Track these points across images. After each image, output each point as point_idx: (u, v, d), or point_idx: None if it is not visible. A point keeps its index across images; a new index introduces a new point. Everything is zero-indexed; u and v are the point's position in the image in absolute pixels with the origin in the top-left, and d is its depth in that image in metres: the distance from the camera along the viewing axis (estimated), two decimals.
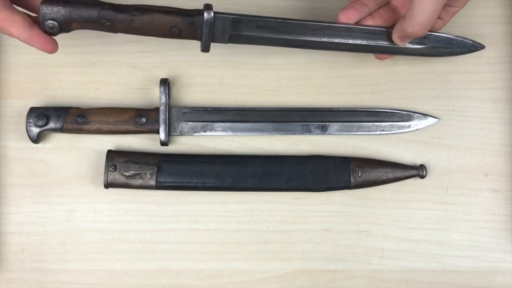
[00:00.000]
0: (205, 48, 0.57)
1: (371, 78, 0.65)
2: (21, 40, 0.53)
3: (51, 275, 0.62)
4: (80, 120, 0.62)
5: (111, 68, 0.65)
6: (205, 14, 0.55)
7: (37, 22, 0.54)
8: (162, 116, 0.62)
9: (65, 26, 0.54)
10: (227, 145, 0.65)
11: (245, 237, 0.63)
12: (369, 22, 0.60)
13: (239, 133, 0.64)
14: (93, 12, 0.54)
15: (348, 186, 0.62)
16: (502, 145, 0.64)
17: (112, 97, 0.65)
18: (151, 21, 0.55)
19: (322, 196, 0.63)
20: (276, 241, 0.63)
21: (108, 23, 0.54)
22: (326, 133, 0.64)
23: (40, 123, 0.61)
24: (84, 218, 0.63)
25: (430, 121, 0.64)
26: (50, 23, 0.53)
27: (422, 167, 0.63)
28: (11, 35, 0.53)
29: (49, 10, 0.53)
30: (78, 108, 0.62)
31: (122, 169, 0.61)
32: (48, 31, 0.54)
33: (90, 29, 0.56)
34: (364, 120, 0.64)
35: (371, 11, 0.60)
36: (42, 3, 0.53)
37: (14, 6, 0.53)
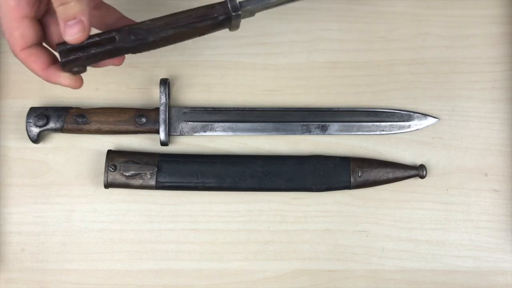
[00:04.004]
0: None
1: (371, 78, 0.65)
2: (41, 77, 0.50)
3: (51, 275, 0.62)
4: (80, 120, 0.61)
5: (111, 68, 0.65)
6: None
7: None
8: (162, 116, 0.62)
9: (88, 65, 0.51)
10: (227, 145, 0.65)
11: (245, 237, 0.63)
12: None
13: (239, 133, 0.64)
14: (110, 47, 0.50)
15: (348, 186, 0.62)
16: (502, 145, 0.64)
17: (112, 97, 0.65)
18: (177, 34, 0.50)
19: (322, 196, 0.63)
20: (276, 241, 0.63)
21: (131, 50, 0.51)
22: (326, 133, 0.64)
23: (40, 123, 0.61)
24: (84, 218, 0.63)
25: (430, 121, 0.64)
26: (75, 69, 0.50)
27: (422, 167, 0.63)
28: (32, 71, 0.50)
29: (67, 59, 0.49)
30: (78, 108, 0.62)
31: (122, 169, 0.61)
32: (75, 72, 0.51)
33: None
34: (364, 120, 0.64)
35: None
36: (60, 54, 0.49)
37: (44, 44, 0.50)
